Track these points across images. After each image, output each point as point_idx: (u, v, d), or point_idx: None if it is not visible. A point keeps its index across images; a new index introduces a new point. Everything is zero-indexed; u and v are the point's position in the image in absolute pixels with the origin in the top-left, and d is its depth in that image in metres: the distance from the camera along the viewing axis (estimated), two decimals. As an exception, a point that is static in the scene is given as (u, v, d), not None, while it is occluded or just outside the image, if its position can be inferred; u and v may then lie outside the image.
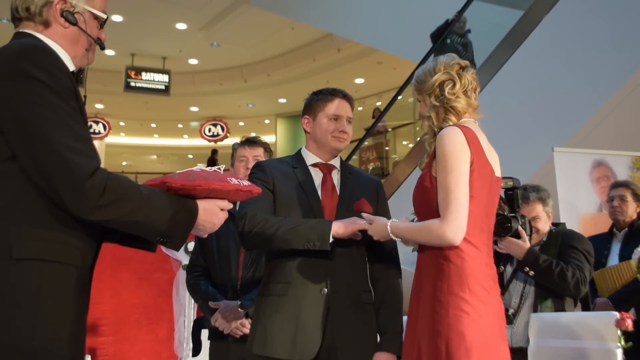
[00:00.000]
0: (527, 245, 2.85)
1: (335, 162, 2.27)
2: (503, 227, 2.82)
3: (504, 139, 5.49)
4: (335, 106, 2.23)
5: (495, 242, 2.86)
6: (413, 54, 8.36)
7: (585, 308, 3.24)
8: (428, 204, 1.85)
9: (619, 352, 2.46)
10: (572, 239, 3.01)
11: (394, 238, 1.92)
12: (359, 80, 15.39)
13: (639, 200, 3.65)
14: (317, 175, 2.22)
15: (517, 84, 5.79)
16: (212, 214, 1.56)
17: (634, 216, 3.63)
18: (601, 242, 3.68)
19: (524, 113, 5.61)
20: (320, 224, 2.00)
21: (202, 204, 1.54)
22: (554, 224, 3.13)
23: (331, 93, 2.26)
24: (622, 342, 2.46)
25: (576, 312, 2.97)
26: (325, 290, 2.05)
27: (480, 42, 7.12)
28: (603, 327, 2.55)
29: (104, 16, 1.65)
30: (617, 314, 2.52)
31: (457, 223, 1.74)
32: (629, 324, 2.47)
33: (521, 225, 2.85)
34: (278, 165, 2.24)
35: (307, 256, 2.05)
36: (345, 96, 2.25)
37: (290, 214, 2.11)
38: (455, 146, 1.78)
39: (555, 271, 2.80)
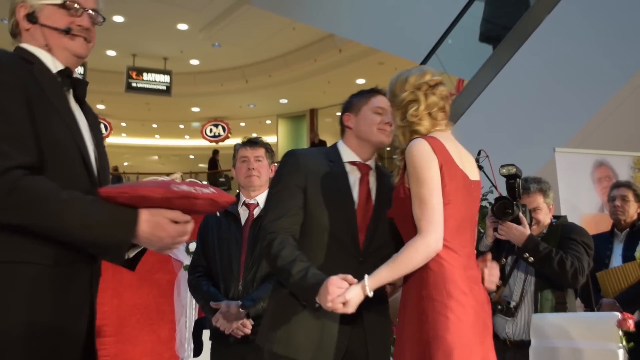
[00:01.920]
0: (528, 231, 2.83)
1: (372, 162, 2.19)
2: (504, 212, 2.82)
3: (505, 139, 5.51)
4: (379, 100, 2.17)
5: (495, 229, 2.87)
6: (414, 55, 8.35)
7: (587, 303, 3.22)
8: (405, 213, 1.88)
9: (621, 353, 2.46)
10: (572, 231, 3.00)
11: (370, 295, 1.82)
12: (361, 81, 15.39)
13: (639, 202, 3.65)
14: (352, 174, 2.12)
15: (519, 84, 5.79)
16: (156, 226, 1.42)
17: (635, 216, 3.63)
18: (603, 241, 3.68)
19: (525, 113, 5.61)
20: (308, 290, 1.89)
21: (144, 215, 1.41)
22: (555, 217, 3.13)
23: (373, 90, 2.22)
24: (624, 343, 2.46)
25: (578, 312, 2.97)
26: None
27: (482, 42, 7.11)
28: (605, 327, 2.54)
29: (59, 1, 1.61)
30: (618, 315, 2.52)
31: (438, 232, 1.79)
32: (631, 324, 2.47)
33: (522, 213, 2.85)
34: (315, 157, 2.13)
35: (331, 254, 2.00)
36: (385, 94, 2.20)
37: (322, 215, 2.02)
38: (423, 157, 1.82)
39: (555, 259, 2.79)
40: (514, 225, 2.84)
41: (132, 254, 1.61)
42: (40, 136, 1.44)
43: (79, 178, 1.51)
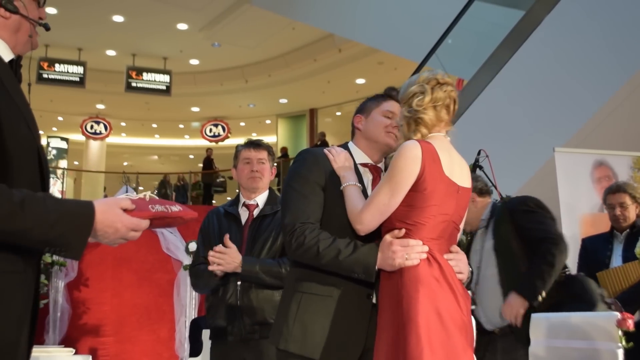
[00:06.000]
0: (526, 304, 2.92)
1: (382, 165, 2.20)
2: None
3: (505, 139, 5.51)
4: (390, 104, 2.19)
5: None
6: (414, 54, 8.37)
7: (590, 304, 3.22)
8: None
9: (620, 353, 2.46)
10: (518, 204, 3.12)
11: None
12: (360, 81, 15.39)
13: (636, 202, 3.63)
14: (365, 176, 2.13)
15: (518, 84, 5.80)
16: (112, 217, 1.38)
17: (634, 218, 3.62)
18: (602, 242, 3.68)
19: (525, 113, 5.61)
20: (364, 258, 1.89)
21: (100, 206, 1.37)
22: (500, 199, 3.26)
23: (386, 95, 2.24)
24: (623, 343, 2.46)
25: (578, 312, 2.98)
26: (374, 297, 1.96)
27: (481, 42, 7.12)
28: (604, 327, 2.55)
29: None
30: (618, 314, 2.52)
31: (370, 224, 1.89)
32: (630, 324, 2.47)
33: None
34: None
35: None
36: (397, 99, 2.19)
37: (341, 214, 1.99)
38: (406, 160, 1.85)
39: (546, 272, 2.90)
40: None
41: None
42: (4, 133, 1.35)
43: (35, 177, 1.43)
